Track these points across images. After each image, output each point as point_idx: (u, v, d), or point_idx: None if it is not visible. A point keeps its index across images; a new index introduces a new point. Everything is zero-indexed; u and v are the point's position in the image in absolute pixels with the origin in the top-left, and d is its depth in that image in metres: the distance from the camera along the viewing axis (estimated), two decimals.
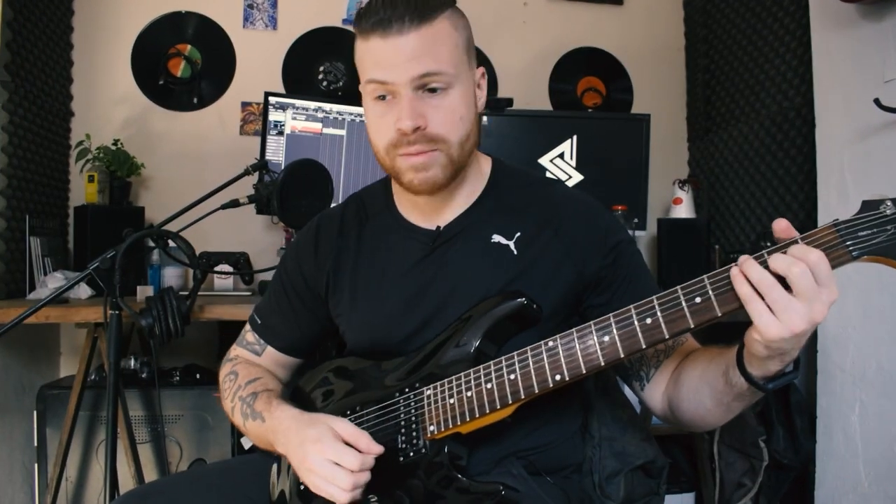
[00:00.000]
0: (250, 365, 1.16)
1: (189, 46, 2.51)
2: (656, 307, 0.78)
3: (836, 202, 1.75)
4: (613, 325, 0.81)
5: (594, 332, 0.82)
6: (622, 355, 0.81)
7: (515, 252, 1.00)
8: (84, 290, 1.89)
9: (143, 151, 2.37)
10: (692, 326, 0.76)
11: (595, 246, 1.01)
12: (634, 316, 0.80)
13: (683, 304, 0.76)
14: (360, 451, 0.88)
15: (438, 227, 1.04)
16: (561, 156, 2.31)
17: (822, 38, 1.80)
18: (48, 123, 2.25)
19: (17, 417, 2.01)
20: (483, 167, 1.08)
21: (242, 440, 1.89)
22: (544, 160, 2.30)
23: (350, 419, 0.96)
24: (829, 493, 1.76)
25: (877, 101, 1.53)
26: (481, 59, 2.58)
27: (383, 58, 0.91)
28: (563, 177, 2.30)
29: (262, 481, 1.07)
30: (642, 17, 2.86)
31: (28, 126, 2.10)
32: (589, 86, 2.81)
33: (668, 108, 2.86)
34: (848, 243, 0.70)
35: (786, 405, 1.99)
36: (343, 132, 2.26)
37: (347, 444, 0.89)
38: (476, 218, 1.04)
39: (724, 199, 2.62)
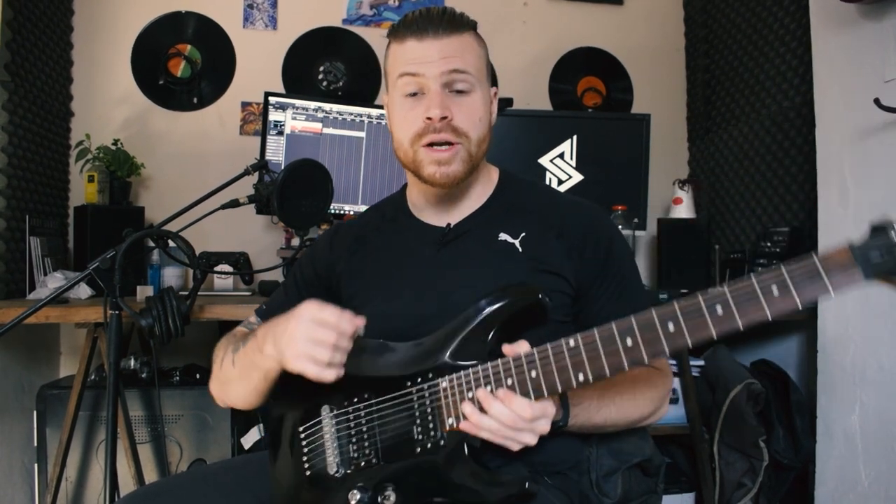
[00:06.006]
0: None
1: (189, 46, 2.51)
2: (678, 313, 0.77)
3: (836, 202, 1.75)
4: (636, 327, 0.80)
5: (616, 333, 0.81)
6: (646, 360, 0.79)
7: (521, 250, 1.06)
8: (84, 291, 1.89)
9: (143, 151, 2.37)
10: (714, 335, 0.76)
11: (592, 252, 1.06)
12: (656, 319, 0.78)
13: (706, 312, 0.76)
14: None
15: (449, 225, 1.12)
16: (561, 156, 2.31)
17: (822, 38, 1.80)
18: (48, 123, 2.25)
19: (17, 417, 2.01)
20: (492, 174, 1.17)
21: (242, 440, 1.90)
22: (544, 160, 2.30)
23: (360, 405, 0.97)
24: (829, 493, 1.76)
25: (877, 101, 1.53)
26: None
27: (418, 55, 1.04)
28: (563, 177, 2.30)
29: (265, 480, 1.08)
30: (642, 17, 2.86)
31: (28, 126, 2.10)
32: (589, 86, 2.81)
33: (668, 108, 2.86)
34: (860, 265, 0.71)
35: (786, 405, 1.99)
36: (363, 134, 2.27)
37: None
38: (484, 218, 1.12)
39: (724, 199, 2.62)
